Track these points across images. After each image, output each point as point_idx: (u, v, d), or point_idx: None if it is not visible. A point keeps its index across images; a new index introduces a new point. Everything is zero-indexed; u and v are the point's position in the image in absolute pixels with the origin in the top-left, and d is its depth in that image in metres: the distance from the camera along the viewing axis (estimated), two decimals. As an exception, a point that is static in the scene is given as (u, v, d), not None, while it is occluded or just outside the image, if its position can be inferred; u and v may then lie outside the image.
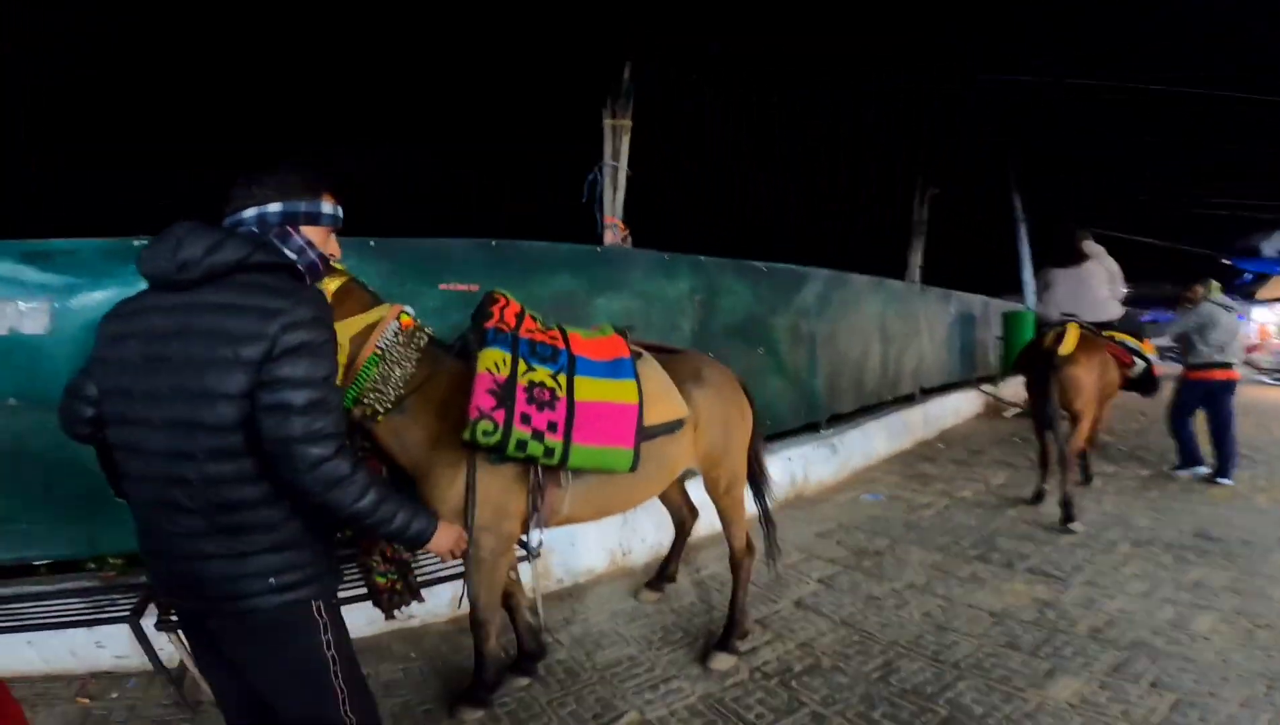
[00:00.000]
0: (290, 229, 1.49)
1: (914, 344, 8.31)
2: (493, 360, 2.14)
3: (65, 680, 2.78)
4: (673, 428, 2.55)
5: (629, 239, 4.38)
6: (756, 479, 3.18)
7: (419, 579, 2.60)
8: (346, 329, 1.97)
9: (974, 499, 5.33)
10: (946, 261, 10.00)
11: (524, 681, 2.74)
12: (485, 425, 2.04)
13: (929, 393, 8.73)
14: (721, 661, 2.84)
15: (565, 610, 3.48)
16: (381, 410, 2.07)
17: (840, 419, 6.55)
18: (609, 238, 4.29)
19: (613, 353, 2.50)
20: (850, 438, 6.22)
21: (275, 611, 1.38)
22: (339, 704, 1.46)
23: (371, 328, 2.03)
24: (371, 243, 3.52)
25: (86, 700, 2.66)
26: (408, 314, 2.14)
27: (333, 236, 1.58)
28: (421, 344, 2.14)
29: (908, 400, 8.03)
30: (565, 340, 2.46)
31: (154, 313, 1.37)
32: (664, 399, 2.56)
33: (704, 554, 4.18)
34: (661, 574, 3.62)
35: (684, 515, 3.58)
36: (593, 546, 3.94)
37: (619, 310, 4.22)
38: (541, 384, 2.18)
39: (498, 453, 2.13)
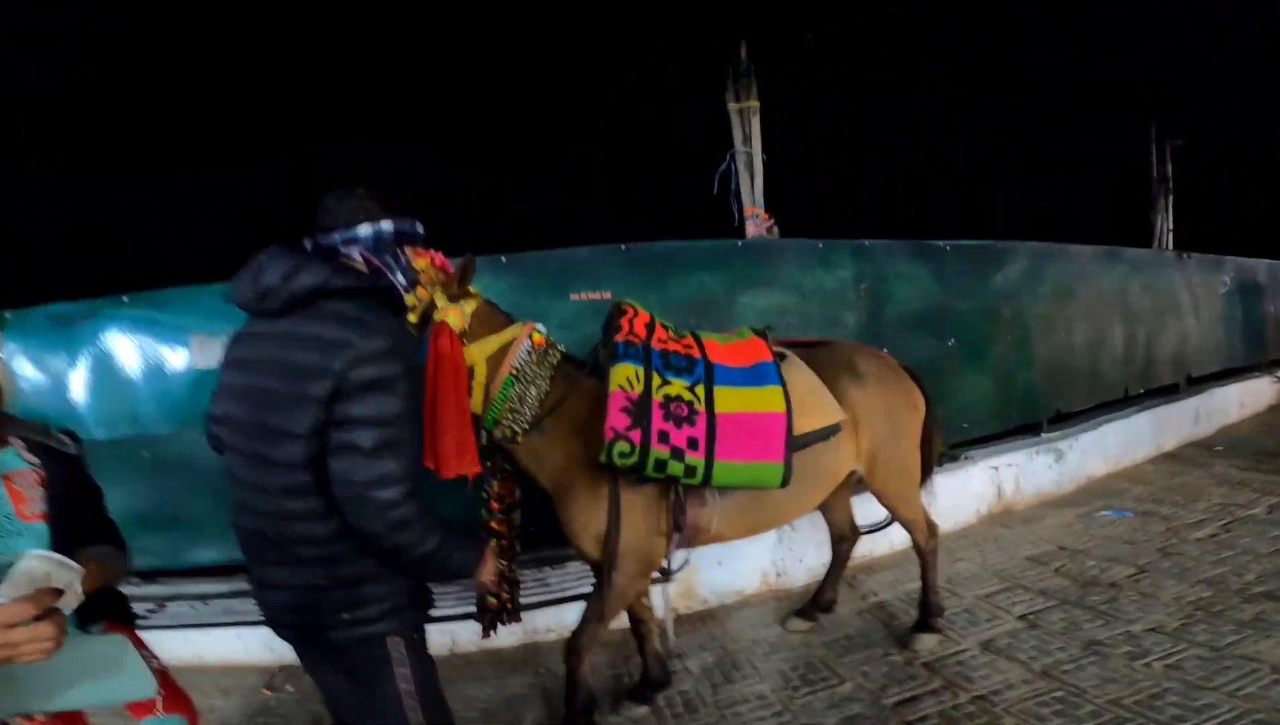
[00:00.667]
0: (399, 249, 1.46)
1: (1173, 324, 6.42)
2: (625, 376, 2.01)
3: (260, 672, 3.06)
4: (828, 433, 2.31)
5: (775, 229, 3.89)
6: (925, 475, 2.84)
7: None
8: (483, 350, 1.95)
9: (1266, 517, 3.85)
10: (1209, 223, 7.73)
11: (640, 710, 2.53)
12: (621, 446, 1.92)
13: (1199, 382, 6.70)
14: (924, 643, 2.74)
15: (703, 635, 3.15)
16: (519, 432, 2.01)
17: (1068, 418, 5.25)
18: (751, 230, 3.85)
19: (754, 357, 2.27)
20: (1083, 441, 4.92)
21: (351, 644, 1.33)
22: None
23: (507, 348, 1.99)
24: (503, 259, 3.52)
25: (268, 692, 2.91)
26: (539, 332, 2.08)
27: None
28: (555, 362, 2.07)
29: (1168, 392, 6.21)
30: (701, 348, 2.26)
31: (251, 340, 1.38)
32: (816, 403, 2.29)
33: (876, 578, 3.54)
34: (816, 601, 3.11)
35: (844, 532, 3.06)
36: (743, 565, 3.55)
37: (768, 308, 3.74)
38: (679, 398, 2.03)
39: (636, 473, 2.01)
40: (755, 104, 3.71)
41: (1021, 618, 2.93)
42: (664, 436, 1.96)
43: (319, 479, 1.24)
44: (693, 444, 1.99)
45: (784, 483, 2.08)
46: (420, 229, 1.52)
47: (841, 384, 2.43)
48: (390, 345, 1.25)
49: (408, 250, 1.48)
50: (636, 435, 1.94)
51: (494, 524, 2.18)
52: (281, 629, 1.44)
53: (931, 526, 2.79)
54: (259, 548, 1.35)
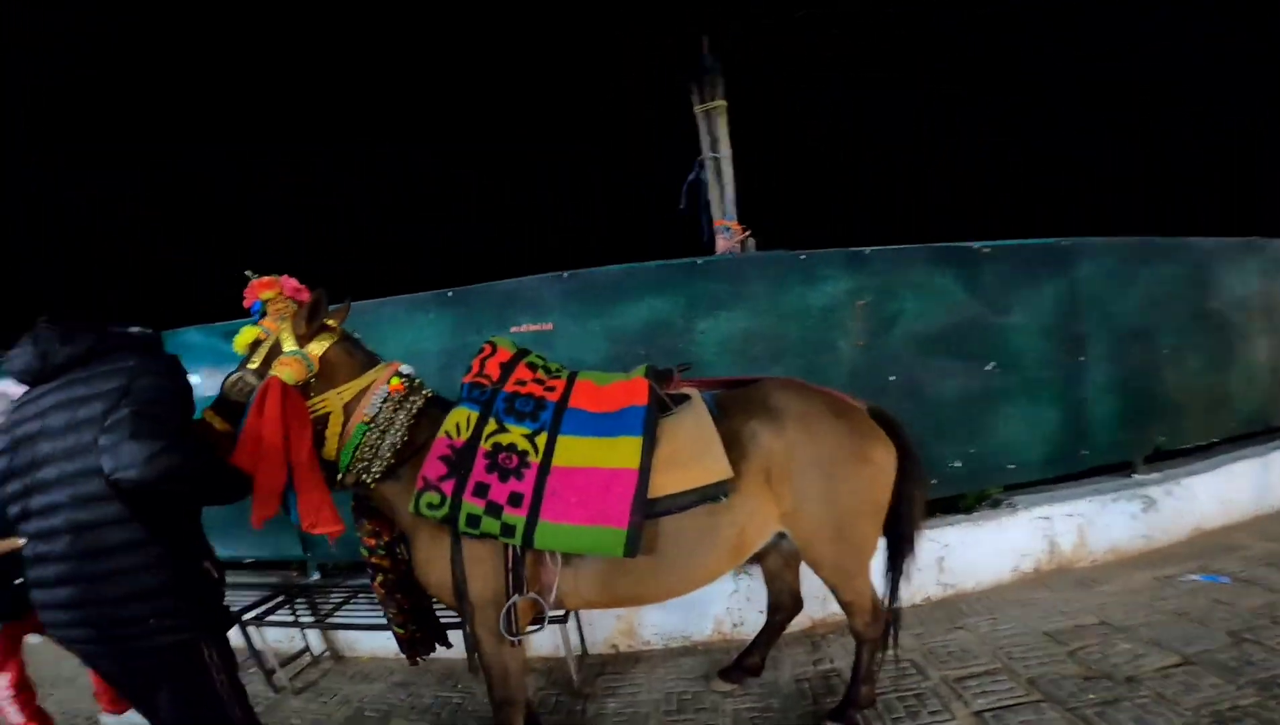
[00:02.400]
0: None
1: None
2: (455, 421, 1.86)
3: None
4: (710, 494, 1.88)
5: (751, 243, 3.42)
6: (898, 550, 2.25)
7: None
8: (340, 397, 1.86)
9: None
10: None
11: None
12: (430, 497, 1.77)
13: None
14: None
15: (624, 679, 2.89)
16: (370, 481, 1.89)
17: (1174, 456, 4.10)
18: (721, 245, 3.42)
19: (623, 401, 1.96)
20: (1189, 485, 3.78)
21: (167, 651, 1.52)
22: None
23: (363, 393, 1.89)
24: (449, 293, 3.42)
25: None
26: (400, 376, 1.92)
27: None
28: (415, 408, 1.93)
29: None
30: (566, 391, 2.00)
31: None
32: (694, 458, 1.89)
33: (835, 645, 2.93)
34: (740, 663, 2.66)
35: (783, 601, 2.54)
36: (695, 610, 3.12)
37: (733, 334, 3.26)
38: (510, 447, 1.83)
39: (450, 527, 1.83)
40: (722, 103, 3.29)
41: (976, 714, 2.20)
42: (481, 489, 1.77)
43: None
44: (514, 500, 1.77)
45: (630, 552, 1.75)
46: None
47: (749, 430, 1.99)
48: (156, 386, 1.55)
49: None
50: (449, 486, 1.77)
51: (375, 560, 2.07)
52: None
53: (876, 610, 2.22)
54: None
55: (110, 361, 1.55)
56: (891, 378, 3.40)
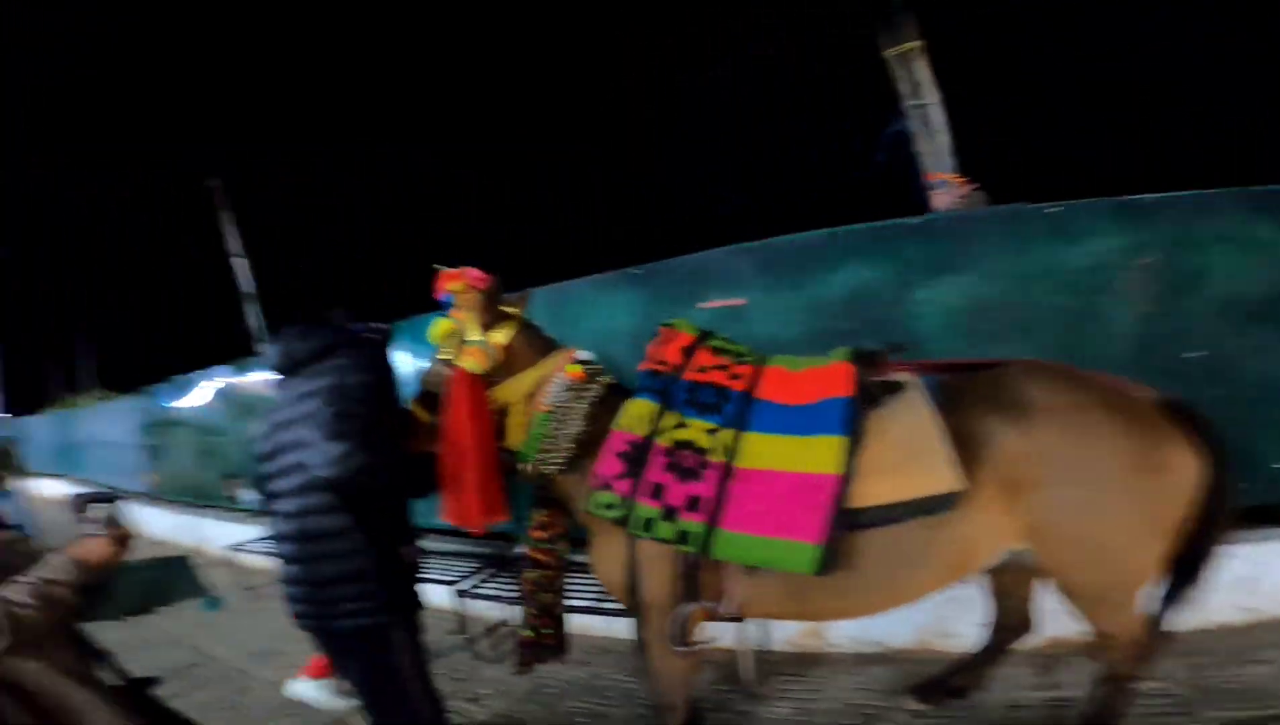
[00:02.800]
0: None
1: None
2: (632, 413, 1.72)
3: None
4: (930, 507, 1.54)
5: (978, 197, 2.85)
6: (1184, 572, 1.69)
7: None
8: (519, 386, 1.82)
9: None
10: None
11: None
12: (605, 497, 1.66)
13: None
14: None
15: (803, 684, 2.61)
16: (549, 472, 1.82)
17: None
18: (940, 201, 2.91)
19: (821, 392, 1.67)
20: None
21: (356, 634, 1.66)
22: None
23: (544, 380, 1.83)
24: (637, 271, 3.38)
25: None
26: (577, 363, 1.84)
27: None
28: (594, 396, 1.81)
29: None
30: (753, 379, 1.76)
31: None
32: (912, 462, 1.56)
33: (1071, 669, 2.32)
34: (942, 681, 2.23)
35: (1010, 621, 2.05)
36: (896, 614, 2.55)
37: (960, 305, 2.72)
38: (690, 444, 1.64)
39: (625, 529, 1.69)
40: (917, 44, 2.79)
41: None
42: (658, 490, 1.61)
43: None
44: (693, 504, 1.58)
45: (819, 569, 1.50)
46: None
47: (985, 428, 1.59)
48: (361, 381, 1.68)
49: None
50: (624, 486, 1.64)
51: (536, 553, 2.01)
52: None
53: (1145, 646, 1.69)
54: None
55: (335, 358, 1.69)
56: (1189, 355, 2.59)
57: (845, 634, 2.82)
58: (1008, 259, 2.72)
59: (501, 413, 1.83)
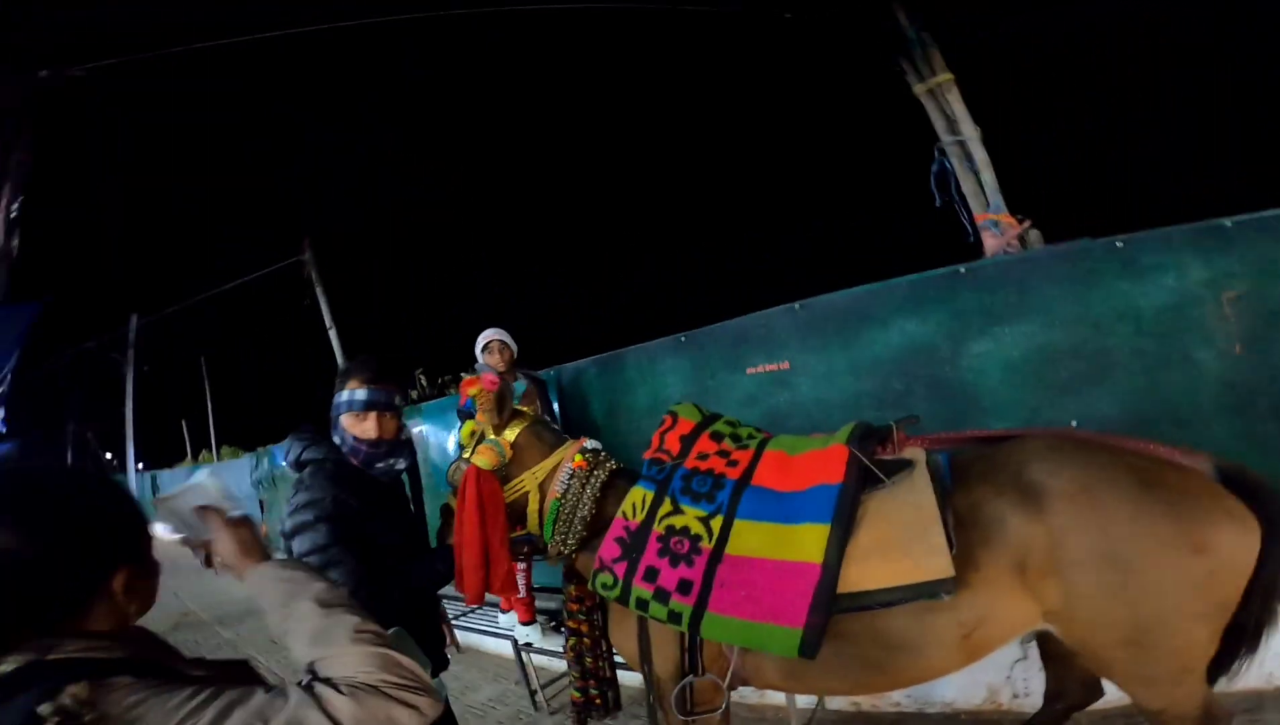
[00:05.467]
0: (337, 421, 1.75)
1: None
2: (632, 501, 1.80)
3: None
4: (925, 592, 1.49)
5: (1034, 234, 2.63)
6: (1235, 642, 1.49)
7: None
8: (534, 477, 1.93)
9: None
10: None
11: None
12: (605, 578, 1.74)
13: None
14: None
15: None
16: (566, 552, 1.93)
17: None
18: (992, 244, 2.69)
19: (814, 477, 1.67)
20: None
21: None
22: None
23: (554, 470, 1.94)
24: (682, 338, 3.36)
25: None
26: (583, 453, 1.95)
27: (371, 416, 1.73)
28: (599, 482, 1.90)
29: None
30: (751, 464, 1.79)
31: None
32: (905, 547, 1.52)
33: None
34: None
35: (1068, 688, 1.88)
36: (966, 671, 2.43)
37: (1022, 356, 2.53)
38: (684, 531, 1.70)
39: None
40: (948, 77, 2.61)
41: None
42: (651, 574, 1.67)
43: None
44: (683, 588, 1.63)
45: (806, 653, 1.49)
46: (341, 398, 1.72)
47: (993, 511, 1.51)
48: (305, 500, 1.60)
49: (340, 420, 1.74)
50: (621, 569, 1.71)
51: (572, 624, 2.13)
52: None
53: (1204, 719, 1.48)
54: None
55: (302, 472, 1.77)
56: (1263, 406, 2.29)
57: (907, 693, 2.65)
58: (1074, 301, 2.49)
59: (520, 502, 1.95)
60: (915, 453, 1.66)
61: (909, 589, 1.48)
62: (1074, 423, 2.41)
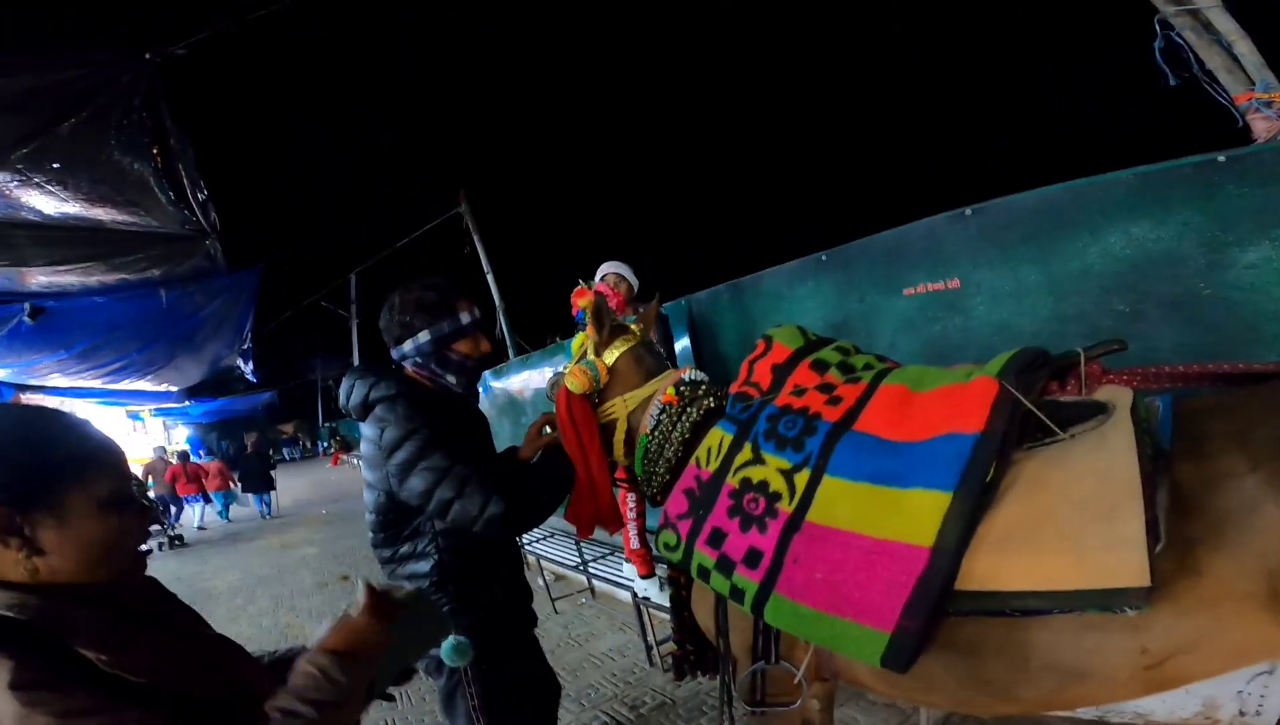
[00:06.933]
0: (445, 352, 1.66)
1: None
2: (707, 445, 1.50)
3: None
4: (1099, 602, 0.97)
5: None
6: None
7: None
8: (625, 405, 1.77)
9: None
10: None
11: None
12: (668, 536, 1.48)
13: None
14: None
15: None
16: (651, 493, 1.73)
17: None
18: (1264, 127, 2.00)
19: (940, 424, 1.19)
20: None
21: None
22: None
23: (648, 401, 1.75)
24: (824, 257, 2.99)
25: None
26: (679, 386, 1.72)
27: (480, 334, 1.72)
28: (690, 421, 1.65)
29: None
30: (860, 402, 1.35)
31: None
32: (1071, 535, 1.01)
33: None
34: None
35: None
36: None
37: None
38: (761, 486, 1.34)
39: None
40: None
41: None
42: (717, 537, 1.36)
43: (384, 531, 1.63)
44: (751, 558, 1.29)
45: (892, 663, 1.08)
46: (463, 321, 1.65)
47: (1244, 491, 0.95)
48: (402, 433, 1.50)
49: (454, 347, 1.66)
50: (685, 527, 1.43)
51: (673, 573, 1.85)
52: None
53: None
54: None
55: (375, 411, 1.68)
56: None
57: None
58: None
59: (608, 428, 1.79)
60: (1116, 394, 1.13)
61: (1070, 596, 0.99)
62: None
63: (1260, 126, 2.03)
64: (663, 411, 1.67)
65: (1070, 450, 1.09)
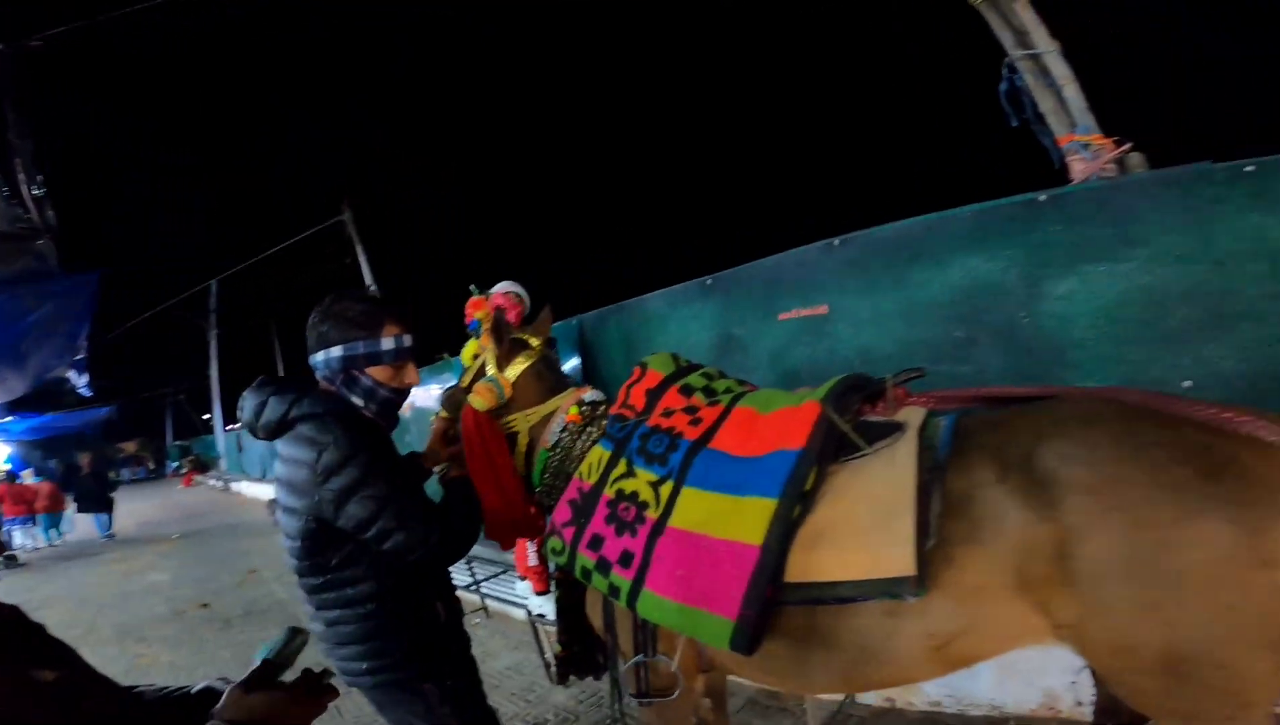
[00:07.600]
0: (355, 372, 1.48)
1: None
2: (589, 461, 1.62)
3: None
4: (886, 590, 1.18)
5: (1132, 159, 2.14)
6: None
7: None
8: (527, 419, 1.77)
9: None
10: None
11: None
12: (554, 542, 1.60)
13: None
14: None
15: None
16: (550, 504, 1.74)
17: None
18: (1079, 169, 2.22)
19: (774, 441, 1.38)
20: None
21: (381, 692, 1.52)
22: None
23: (549, 418, 1.77)
24: (708, 281, 3.00)
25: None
26: (580, 405, 1.76)
27: (410, 366, 1.56)
28: (591, 438, 1.70)
29: None
30: (716, 423, 1.52)
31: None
32: (863, 534, 1.22)
33: None
34: None
35: (1121, 704, 1.39)
36: (1016, 674, 2.22)
37: (1128, 295, 2.05)
38: (633, 496, 1.49)
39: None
40: None
41: None
42: (596, 542, 1.50)
43: (311, 558, 1.44)
44: (625, 559, 1.45)
45: (739, 647, 1.26)
46: (384, 346, 1.47)
47: (990, 499, 1.14)
48: (345, 454, 1.35)
49: (368, 370, 1.48)
50: (569, 533, 1.56)
51: (559, 574, 1.91)
52: None
53: None
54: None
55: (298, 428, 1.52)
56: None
57: (948, 691, 2.33)
58: (1189, 235, 2.01)
59: (510, 441, 1.78)
60: (911, 414, 1.32)
61: (863, 585, 1.19)
62: (1188, 383, 1.95)
63: (1078, 168, 2.24)
64: (564, 429, 1.71)
65: (871, 463, 1.28)
